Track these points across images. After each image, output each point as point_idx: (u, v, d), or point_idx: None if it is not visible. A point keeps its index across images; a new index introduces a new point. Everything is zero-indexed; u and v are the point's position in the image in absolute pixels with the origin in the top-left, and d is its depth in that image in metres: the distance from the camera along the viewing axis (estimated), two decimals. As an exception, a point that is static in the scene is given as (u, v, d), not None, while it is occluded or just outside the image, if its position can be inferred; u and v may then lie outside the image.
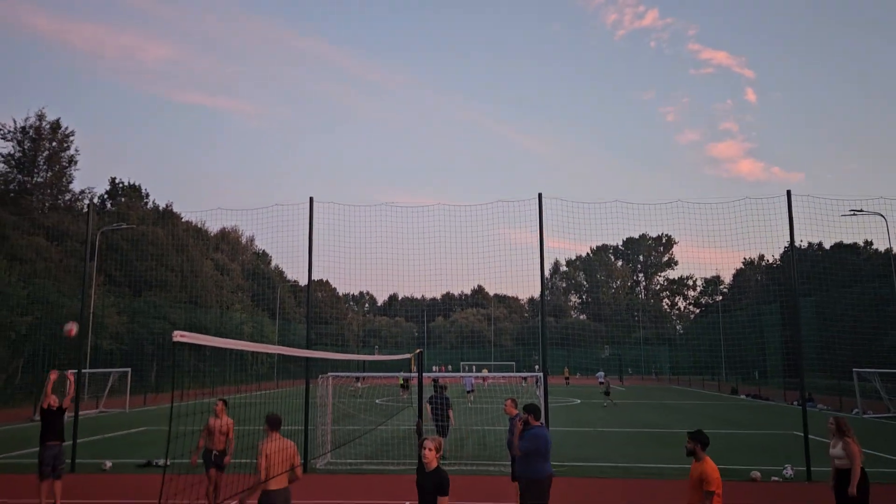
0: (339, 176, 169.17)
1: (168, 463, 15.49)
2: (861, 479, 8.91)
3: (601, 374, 54.46)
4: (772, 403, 39.10)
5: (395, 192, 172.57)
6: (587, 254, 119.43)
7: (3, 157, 49.54)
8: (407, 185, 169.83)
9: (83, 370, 34.91)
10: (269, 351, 6.17)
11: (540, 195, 15.17)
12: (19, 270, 37.56)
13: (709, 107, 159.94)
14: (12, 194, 48.33)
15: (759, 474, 14.02)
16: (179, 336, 3.74)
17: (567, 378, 63.58)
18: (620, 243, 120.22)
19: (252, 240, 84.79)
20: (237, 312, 60.79)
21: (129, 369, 34.99)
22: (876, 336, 39.94)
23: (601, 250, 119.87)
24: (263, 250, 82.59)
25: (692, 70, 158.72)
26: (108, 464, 15.51)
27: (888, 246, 40.01)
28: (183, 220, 60.28)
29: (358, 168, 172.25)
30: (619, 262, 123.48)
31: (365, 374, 28.46)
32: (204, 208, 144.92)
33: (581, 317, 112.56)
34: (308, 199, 15.68)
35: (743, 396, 45.43)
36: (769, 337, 52.92)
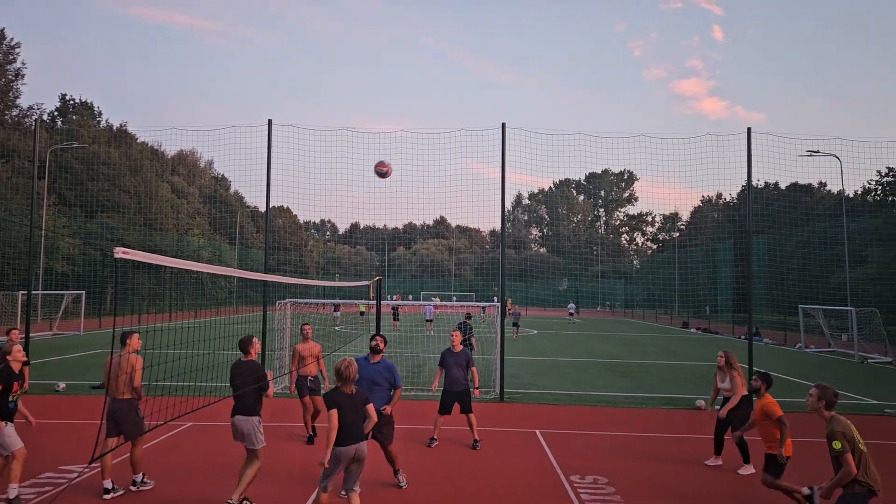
0: (300, 101, 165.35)
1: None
2: (743, 406, 9.75)
3: (572, 306, 55.83)
4: (720, 337, 40.45)
5: (356, 119, 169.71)
6: (550, 187, 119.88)
7: (-57, 67, 47.06)
8: (368, 113, 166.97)
9: (34, 291, 34.25)
10: (214, 272, 6.07)
11: (503, 125, 14.98)
12: (-36, 188, 36.20)
13: (676, 43, 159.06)
14: (-45, 107, 46.12)
15: (703, 403, 14.54)
16: (121, 253, 3.58)
17: (509, 309, 63.94)
18: (583, 178, 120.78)
19: (211, 163, 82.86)
20: (195, 237, 59.88)
21: (83, 292, 34.40)
22: (822, 275, 41.25)
23: (564, 184, 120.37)
24: (223, 174, 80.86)
25: (662, 5, 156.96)
26: (62, 385, 15.37)
27: (841, 188, 41.04)
28: (138, 140, 58.43)
29: (319, 93, 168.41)
30: (581, 197, 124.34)
31: (341, 301, 27.96)
32: (161, 127, 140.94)
33: (541, 250, 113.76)
34: (266, 122, 15.25)
35: (693, 330, 46.90)
36: (722, 273, 54.35)
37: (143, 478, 8.12)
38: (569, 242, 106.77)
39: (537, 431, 11.68)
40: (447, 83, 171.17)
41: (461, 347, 10.87)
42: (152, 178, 55.80)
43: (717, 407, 10.49)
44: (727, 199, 79.08)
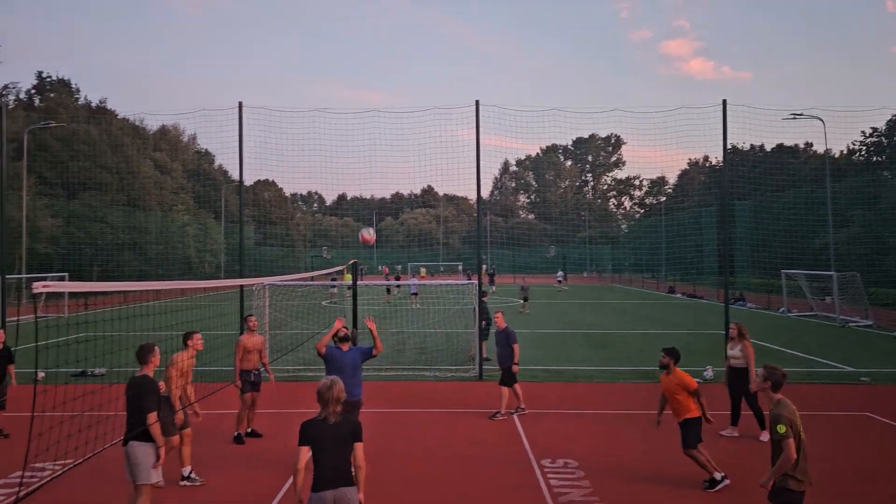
0: (280, 70, 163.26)
1: (104, 372, 15.47)
2: (745, 376, 10.24)
3: (560, 273, 56.12)
4: (705, 302, 40.77)
5: (337, 90, 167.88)
6: (537, 153, 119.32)
7: (-87, 47, 46.03)
8: (348, 79, 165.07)
9: (21, 274, 34.01)
10: (150, 287, 5.97)
11: (477, 102, 14.83)
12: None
13: (662, 2, 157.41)
14: (-73, 88, 45.26)
15: (711, 373, 14.76)
16: (42, 287, 3.54)
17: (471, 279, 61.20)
18: (570, 143, 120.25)
19: (194, 138, 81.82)
20: (180, 214, 59.42)
21: (66, 274, 34.19)
22: (807, 237, 41.49)
23: (551, 150, 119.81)
24: (206, 149, 79.95)
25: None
26: (42, 374, 15.30)
27: (826, 148, 41.03)
28: (118, 116, 57.55)
29: (298, 61, 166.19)
30: (569, 162, 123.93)
31: (337, 283, 26.96)
32: (140, 103, 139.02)
33: (529, 216, 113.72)
34: (237, 105, 15.03)
35: (679, 295, 47.23)
36: (707, 237, 54.58)
37: (189, 472, 8.30)
38: (556, 208, 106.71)
39: (513, 411, 11.77)
40: (425, 51, 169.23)
41: (504, 326, 11.85)
42: (134, 154, 55.11)
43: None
44: (713, 163, 79.10)
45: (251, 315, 10.51)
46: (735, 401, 10.43)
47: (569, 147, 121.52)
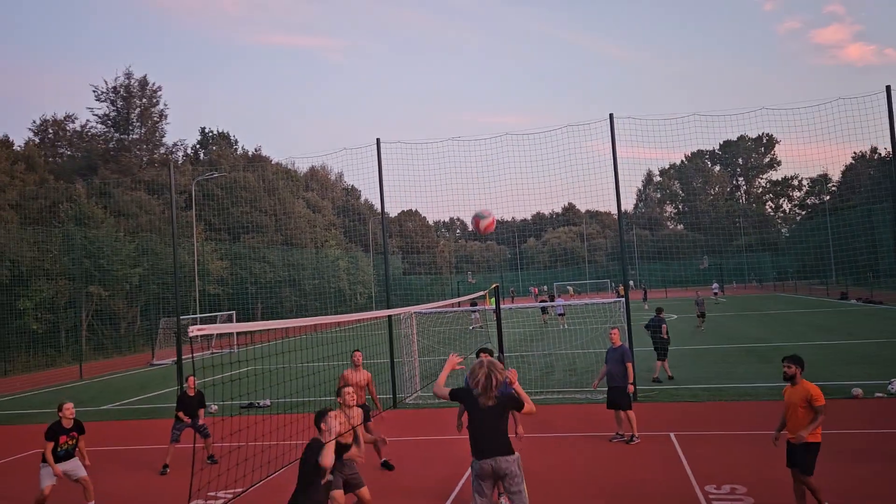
0: (414, 103, 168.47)
1: (269, 403, 16.40)
2: None
3: (715, 285, 53.48)
4: (885, 307, 36.94)
5: (470, 114, 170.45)
6: (682, 161, 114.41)
7: (99, 117, 52.12)
8: (481, 103, 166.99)
9: (195, 314, 37.04)
10: (286, 325, 6.10)
11: (611, 115, 14.42)
12: (125, 225, 39.83)
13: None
14: (112, 153, 50.93)
15: (860, 391, 13.28)
16: (196, 331, 3.79)
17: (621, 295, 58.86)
18: (717, 147, 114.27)
19: (341, 176, 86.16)
20: (332, 249, 62.52)
21: (234, 311, 36.88)
22: None
23: (696, 156, 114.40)
24: (352, 185, 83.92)
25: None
26: (214, 407, 16.38)
27: None
28: (272, 162, 61.88)
29: (432, 92, 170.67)
30: (717, 168, 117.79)
31: (478, 308, 26.34)
32: (291, 147, 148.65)
33: (678, 227, 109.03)
34: (375, 141, 15.60)
35: (854, 301, 43.14)
36: (882, 235, 49.63)
37: None
38: (707, 217, 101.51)
39: (671, 434, 11.13)
40: (557, 65, 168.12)
41: (619, 343, 11.21)
42: (287, 196, 58.83)
43: None
44: (883, 154, 72.11)
45: (357, 350, 10.33)
46: None
47: (716, 151, 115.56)
